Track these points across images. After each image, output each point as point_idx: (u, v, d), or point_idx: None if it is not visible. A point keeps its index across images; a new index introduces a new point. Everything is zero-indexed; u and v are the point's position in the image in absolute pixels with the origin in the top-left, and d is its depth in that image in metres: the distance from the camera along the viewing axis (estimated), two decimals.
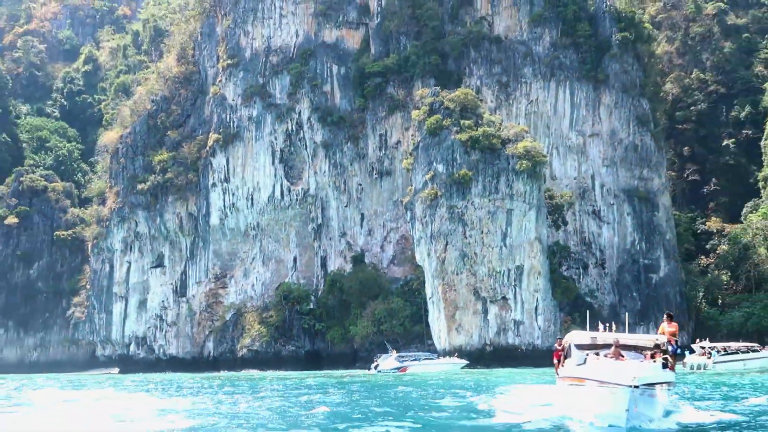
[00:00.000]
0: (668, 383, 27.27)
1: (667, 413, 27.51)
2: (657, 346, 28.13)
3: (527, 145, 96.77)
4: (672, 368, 28.30)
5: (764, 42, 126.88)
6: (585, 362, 27.14)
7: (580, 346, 28.57)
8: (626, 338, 29.03)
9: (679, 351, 30.81)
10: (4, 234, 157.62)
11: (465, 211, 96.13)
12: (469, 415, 31.82)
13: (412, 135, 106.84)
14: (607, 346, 27.79)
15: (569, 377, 27.32)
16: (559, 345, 30.27)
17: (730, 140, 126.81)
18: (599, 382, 24.09)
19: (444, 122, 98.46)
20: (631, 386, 22.54)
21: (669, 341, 28.35)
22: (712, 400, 40.19)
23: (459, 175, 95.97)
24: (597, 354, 27.49)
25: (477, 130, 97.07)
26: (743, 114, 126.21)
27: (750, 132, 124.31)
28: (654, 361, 26.87)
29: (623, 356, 27.00)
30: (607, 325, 27.87)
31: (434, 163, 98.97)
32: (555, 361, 31.39)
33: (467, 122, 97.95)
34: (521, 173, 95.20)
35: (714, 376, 64.77)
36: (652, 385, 24.12)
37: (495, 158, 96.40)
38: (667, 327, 28.93)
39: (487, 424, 27.55)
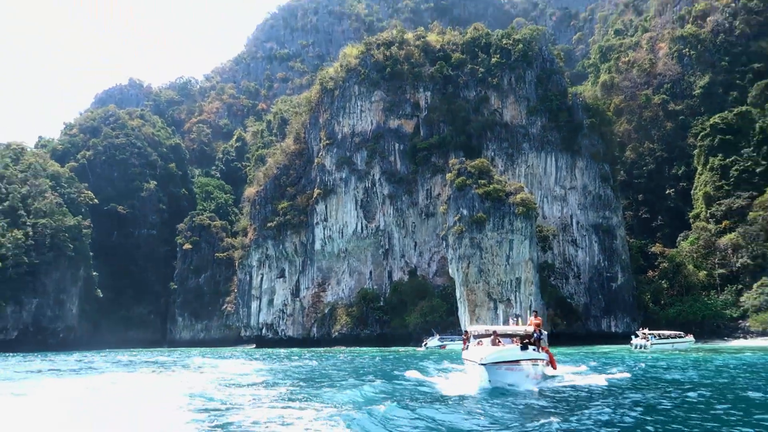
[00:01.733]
0: (532, 359, 27.27)
1: (545, 377, 28.57)
2: (527, 334, 29.24)
3: (523, 197, 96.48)
4: (546, 349, 29.84)
5: (694, 122, 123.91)
6: (468, 347, 28.55)
7: (476, 336, 29.88)
8: (503, 329, 30.33)
9: (542, 337, 29.93)
10: (183, 255, 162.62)
11: (481, 241, 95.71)
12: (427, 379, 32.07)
13: (447, 190, 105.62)
14: (492, 334, 29.01)
15: (465, 358, 28.51)
16: (465, 335, 29.86)
17: (671, 190, 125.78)
18: (471, 362, 26.30)
19: (467, 181, 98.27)
20: (480, 363, 24.90)
21: (535, 330, 29.31)
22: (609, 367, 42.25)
23: (477, 217, 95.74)
24: (480, 341, 28.74)
25: (489, 186, 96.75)
26: (680, 172, 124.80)
27: (684, 184, 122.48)
28: (514, 345, 27.70)
29: (500, 342, 27.87)
30: (518, 316, 30.36)
31: (461, 209, 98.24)
32: (462, 345, 32.40)
33: (483, 181, 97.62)
34: (519, 215, 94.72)
35: (649, 354, 63.93)
36: (502, 362, 25.45)
37: (501, 205, 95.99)
38: (534, 320, 30.25)
39: (429, 389, 27.33)
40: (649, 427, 17.12)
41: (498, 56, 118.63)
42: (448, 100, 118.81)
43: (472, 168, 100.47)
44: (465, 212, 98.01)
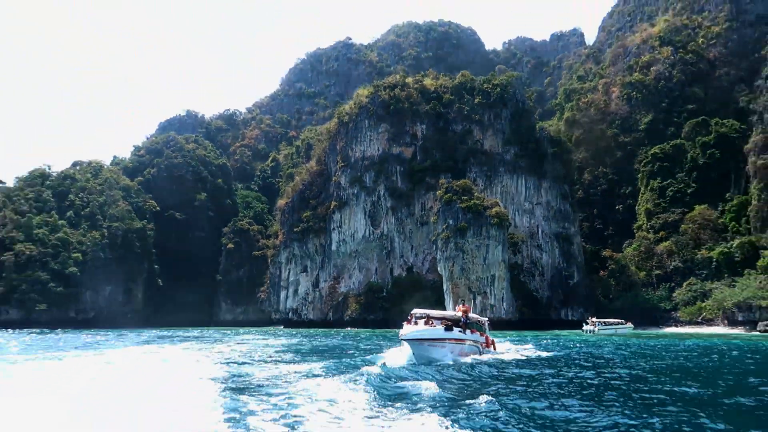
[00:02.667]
0: (456, 339, 26.50)
1: (482, 353, 28.26)
2: (455, 319, 28.94)
3: (498, 210, 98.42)
4: (485, 335, 29.92)
5: (641, 150, 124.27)
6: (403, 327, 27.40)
7: (417, 318, 28.67)
8: (436, 313, 29.41)
9: (468, 322, 29.20)
10: (227, 253, 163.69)
11: (463, 245, 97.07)
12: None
13: (437, 204, 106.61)
14: (426, 317, 28.30)
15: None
16: (410, 317, 28.61)
17: (620, 206, 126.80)
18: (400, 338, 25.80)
19: (453, 197, 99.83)
20: (401, 339, 24.98)
21: (462, 316, 28.78)
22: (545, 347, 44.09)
23: (460, 226, 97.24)
24: (417, 322, 27.79)
25: (470, 202, 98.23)
26: (627, 191, 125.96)
27: (630, 201, 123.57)
28: (434, 326, 26.93)
29: (433, 323, 27.26)
30: (462, 301, 29.66)
31: (448, 219, 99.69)
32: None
33: (465, 198, 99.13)
34: (494, 225, 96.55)
35: (596, 337, 64.62)
36: (423, 339, 24.75)
37: (480, 217, 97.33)
38: (461, 308, 29.82)
39: (374, 360, 25.84)
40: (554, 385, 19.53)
41: (480, 97, 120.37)
42: (439, 132, 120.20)
43: (457, 187, 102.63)
44: (451, 222, 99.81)
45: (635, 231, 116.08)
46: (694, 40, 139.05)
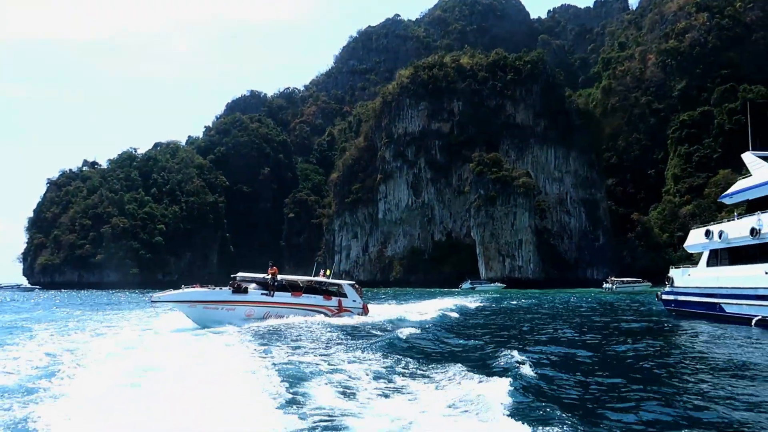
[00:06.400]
0: (253, 302, 24.12)
1: (306, 315, 25.13)
2: (264, 281, 25.86)
3: (524, 181, 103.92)
4: (327, 297, 26.76)
5: (674, 116, 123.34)
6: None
7: (242, 280, 25.71)
8: (250, 276, 26.37)
9: (277, 284, 25.69)
10: (288, 222, 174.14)
11: (493, 212, 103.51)
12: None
13: (471, 175, 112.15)
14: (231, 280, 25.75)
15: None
16: (233, 281, 25.67)
17: (651, 170, 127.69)
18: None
19: (484, 170, 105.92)
20: (152, 300, 23.78)
21: (272, 277, 25.72)
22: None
23: (490, 195, 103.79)
24: (237, 287, 24.94)
25: (499, 173, 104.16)
26: (659, 156, 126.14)
27: (662, 166, 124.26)
28: (213, 288, 24.81)
29: (244, 287, 24.96)
30: (271, 263, 26.38)
31: (480, 189, 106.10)
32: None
33: (495, 169, 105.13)
34: (521, 194, 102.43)
35: (614, 294, 67.74)
36: (194, 302, 23.04)
37: (508, 186, 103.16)
38: (270, 270, 26.09)
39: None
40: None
41: (512, 74, 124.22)
42: (474, 107, 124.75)
43: (488, 159, 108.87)
44: (482, 192, 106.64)
45: (663, 195, 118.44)
46: (731, 5, 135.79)
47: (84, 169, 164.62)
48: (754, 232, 20.46)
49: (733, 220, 23.43)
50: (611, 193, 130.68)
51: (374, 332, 19.75)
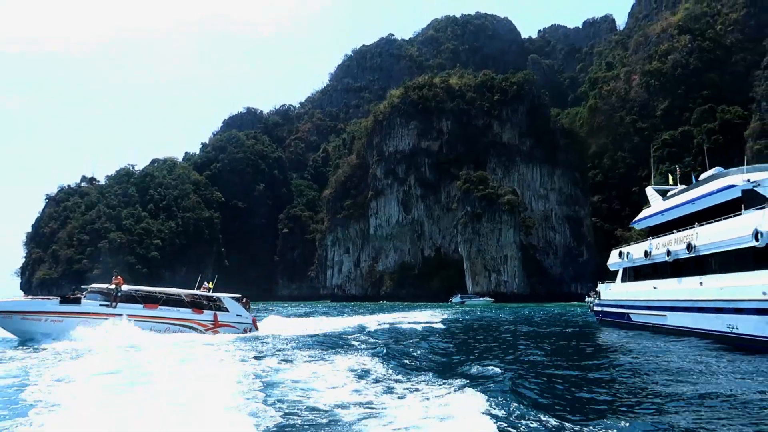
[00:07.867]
0: (75, 312, 22.42)
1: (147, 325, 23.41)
2: (107, 292, 24.62)
3: (509, 198, 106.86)
4: (197, 311, 24.84)
5: (657, 135, 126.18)
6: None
7: (89, 293, 24.92)
8: (97, 287, 25.18)
9: (121, 294, 24.38)
10: (283, 237, 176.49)
11: (480, 229, 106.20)
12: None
13: (459, 192, 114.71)
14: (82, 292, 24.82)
15: None
16: (82, 294, 24.56)
17: (635, 188, 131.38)
18: None
19: (471, 187, 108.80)
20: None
21: (116, 287, 24.43)
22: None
23: (477, 212, 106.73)
24: (82, 297, 24.29)
25: (485, 191, 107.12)
26: (643, 174, 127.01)
27: (645, 184, 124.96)
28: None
29: (82, 296, 24.08)
30: (116, 273, 25.25)
31: (467, 206, 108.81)
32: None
33: (481, 187, 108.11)
34: (506, 210, 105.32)
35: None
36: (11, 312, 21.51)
37: (494, 203, 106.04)
38: (114, 280, 24.89)
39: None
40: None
41: (499, 95, 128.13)
42: (463, 127, 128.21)
43: (474, 177, 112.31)
44: (468, 208, 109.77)
45: None
46: (713, 27, 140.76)
47: (82, 185, 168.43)
48: (646, 254, 24.47)
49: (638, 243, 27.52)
50: (597, 209, 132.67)
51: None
